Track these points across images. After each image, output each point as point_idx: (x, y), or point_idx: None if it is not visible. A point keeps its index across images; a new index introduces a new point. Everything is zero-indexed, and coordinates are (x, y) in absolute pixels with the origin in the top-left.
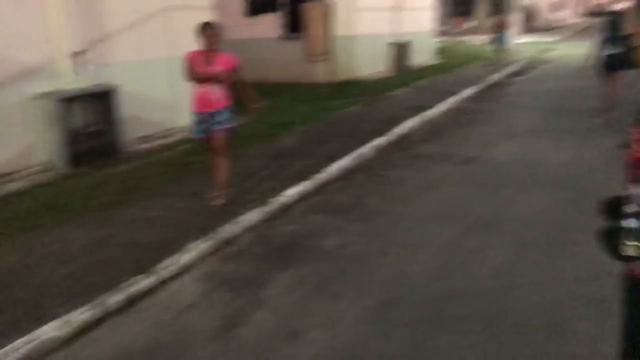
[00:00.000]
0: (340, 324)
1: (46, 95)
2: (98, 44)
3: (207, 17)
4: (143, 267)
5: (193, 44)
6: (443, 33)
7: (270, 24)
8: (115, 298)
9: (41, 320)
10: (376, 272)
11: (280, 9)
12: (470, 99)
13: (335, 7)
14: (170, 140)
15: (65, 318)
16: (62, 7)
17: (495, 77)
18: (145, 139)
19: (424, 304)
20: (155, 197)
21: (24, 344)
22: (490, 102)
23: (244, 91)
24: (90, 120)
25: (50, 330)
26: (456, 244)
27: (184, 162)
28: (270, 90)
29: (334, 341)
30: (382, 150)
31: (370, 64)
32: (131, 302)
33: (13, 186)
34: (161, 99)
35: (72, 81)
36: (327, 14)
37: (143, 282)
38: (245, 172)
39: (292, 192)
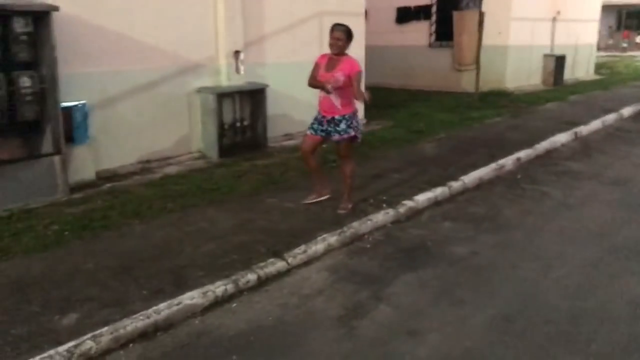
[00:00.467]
0: (461, 330)
1: (206, 89)
2: (254, 45)
3: (359, 23)
4: (275, 252)
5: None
6: (608, 47)
7: (420, 32)
8: (248, 277)
9: (183, 288)
10: (504, 283)
11: (430, 17)
12: (631, 118)
13: (487, 16)
14: None
15: (204, 289)
16: (226, 10)
17: None
18: (289, 136)
19: (551, 321)
20: (293, 190)
21: (168, 306)
22: None
23: (357, 97)
24: (241, 115)
25: (191, 298)
26: (594, 265)
27: (322, 159)
28: (415, 96)
29: (452, 345)
30: (525, 164)
31: (522, 75)
32: (262, 282)
33: (172, 169)
34: (306, 99)
35: (229, 78)
36: (478, 23)
37: (274, 266)
38: (380, 175)
39: (423, 197)
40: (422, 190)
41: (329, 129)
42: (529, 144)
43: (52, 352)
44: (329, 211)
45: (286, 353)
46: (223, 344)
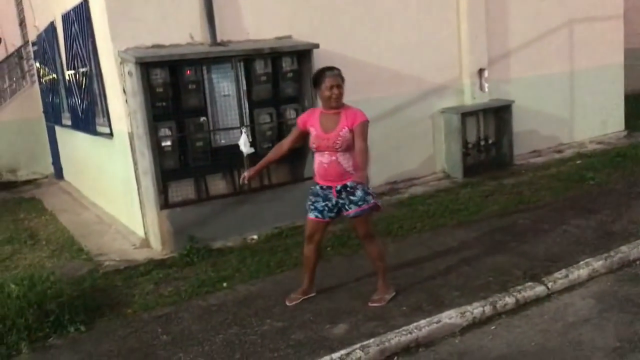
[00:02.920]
0: None
1: (450, 110)
2: (498, 61)
3: (617, 27)
4: (533, 276)
5: (595, 55)
6: None
7: None
8: (505, 300)
9: (441, 307)
10: None
11: None
12: None
13: None
14: (563, 155)
15: (462, 309)
16: (469, 30)
17: None
18: (536, 152)
19: None
20: (545, 210)
21: (428, 323)
22: None
23: (358, 158)
24: (485, 133)
25: (450, 317)
26: None
27: (576, 177)
28: None
29: None
30: None
31: None
32: (520, 306)
33: (418, 189)
34: (555, 113)
35: (473, 97)
36: None
37: (532, 290)
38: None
39: None
40: None
41: (340, 201)
42: None
43: (327, 357)
44: (590, 234)
45: None
46: None
